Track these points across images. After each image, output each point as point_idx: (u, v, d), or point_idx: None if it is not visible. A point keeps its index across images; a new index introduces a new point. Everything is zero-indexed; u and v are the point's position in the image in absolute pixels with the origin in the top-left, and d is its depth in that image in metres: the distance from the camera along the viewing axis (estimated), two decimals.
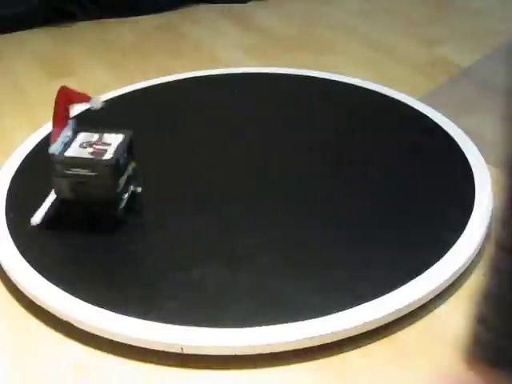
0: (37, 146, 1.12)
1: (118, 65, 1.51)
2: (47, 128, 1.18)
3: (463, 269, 0.81)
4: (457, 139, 1.08)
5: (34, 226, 0.90)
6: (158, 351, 0.71)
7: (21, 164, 1.06)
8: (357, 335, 0.72)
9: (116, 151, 0.87)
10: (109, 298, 0.77)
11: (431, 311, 0.77)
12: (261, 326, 0.72)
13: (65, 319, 0.75)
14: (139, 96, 1.29)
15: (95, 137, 0.91)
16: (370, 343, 0.73)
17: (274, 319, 0.72)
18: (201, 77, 1.37)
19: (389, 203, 0.94)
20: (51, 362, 0.72)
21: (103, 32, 1.74)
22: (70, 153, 0.87)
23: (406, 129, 1.14)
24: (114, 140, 0.90)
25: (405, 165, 1.02)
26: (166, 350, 0.71)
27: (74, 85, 1.39)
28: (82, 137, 0.91)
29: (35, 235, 0.89)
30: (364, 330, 0.72)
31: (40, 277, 0.80)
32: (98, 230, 0.90)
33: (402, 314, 0.75)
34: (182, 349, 0.70)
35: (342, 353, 0.72)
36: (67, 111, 0.90)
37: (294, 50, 1.56)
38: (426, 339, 0.73)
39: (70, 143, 0.89)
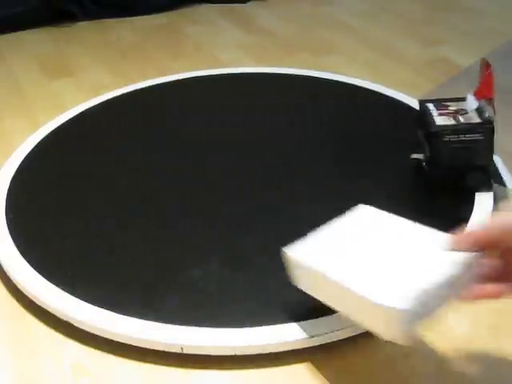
0: (36, 146, 1.12)
1: (118, 65, 1.51)
2: (47, 128, 1.18)
3: None
4: None
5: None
6: (157, 351, 0.71)
7: (21, 164, 1.06)
8: (357, 335, 0.72)
9: (485, 112, 0.90)
10: (109, 298, 0.77)
11: None
12: (261, 325, 0.72)
13: (65, 319, 0.75)
14: (139, 96, 1.29)
15: (446, 107, 0.94)
16: (370, 343, 0.73)
17: (274, 319, 0.72)
18: (201, 77, 1.37)
19: (389, 203, 0.93)
20: (51, 362, 0.72)
21: (103, 32, 1.74)
22: (446, 122, 0.91)
23: (405, 129, 1.13)
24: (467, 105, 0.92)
25: (404, 164, 1.02)
26: (165, 350, 0.71)
27: (74, 85, 1.41)
28: (433, 108, 0.94)
29: (35, 235, 0.89)
30: (364, 330, 0.72)
31: (40, 277, 0.80)
32: (98, 230, 0.90)
33: None
34: (182, 349, 0.70)
35: (341, 353, 0.72)
36: None
37: (294, 50, 1.57)
38: (426, 339, 0.73)
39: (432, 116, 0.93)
